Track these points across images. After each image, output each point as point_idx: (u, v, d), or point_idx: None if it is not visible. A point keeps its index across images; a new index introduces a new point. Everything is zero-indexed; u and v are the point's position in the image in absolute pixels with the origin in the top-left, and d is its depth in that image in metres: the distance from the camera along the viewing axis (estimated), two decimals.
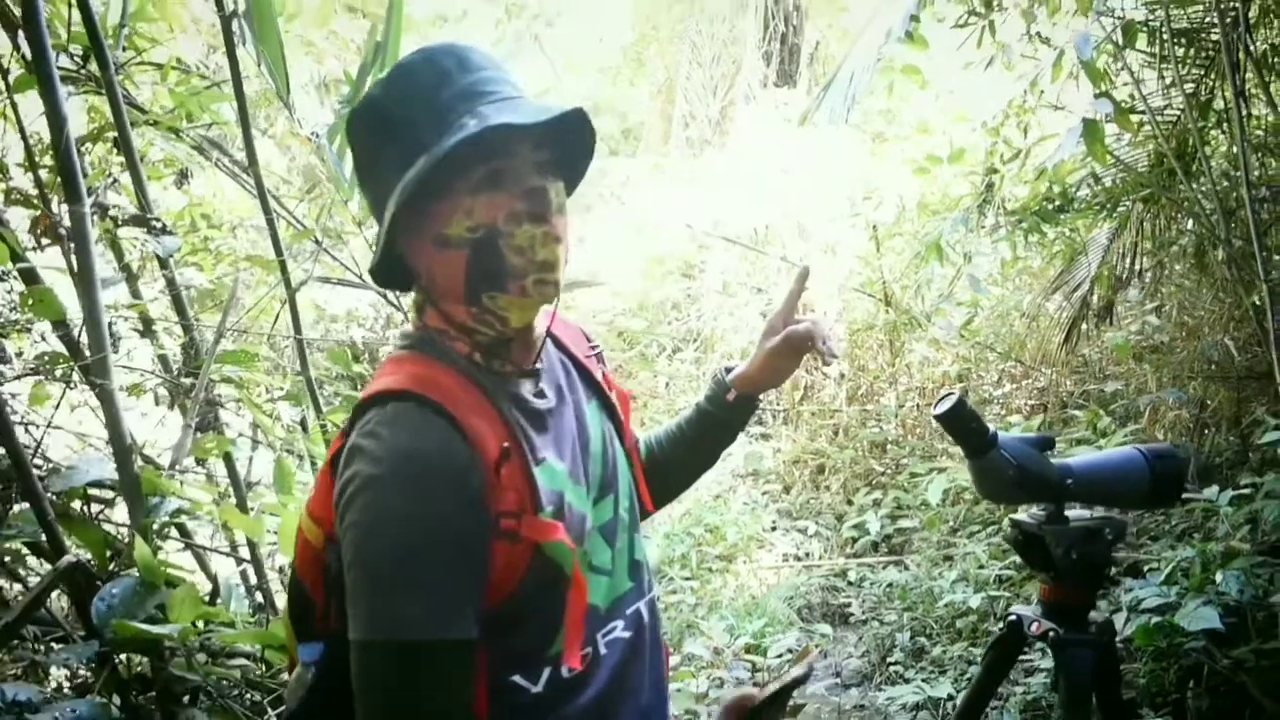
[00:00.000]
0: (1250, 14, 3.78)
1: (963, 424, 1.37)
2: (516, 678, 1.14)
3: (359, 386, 4.04)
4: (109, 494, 2.22)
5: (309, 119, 3.34)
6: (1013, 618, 1.46)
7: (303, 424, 3.27)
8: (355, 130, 1.16)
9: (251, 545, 2.59)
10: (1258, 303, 3.84)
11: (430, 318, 1.19)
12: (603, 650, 1.21)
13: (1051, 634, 1.37)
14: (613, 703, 1.22)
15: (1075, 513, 1.42)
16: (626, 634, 1.25)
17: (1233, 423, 4.49)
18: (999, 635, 1.47)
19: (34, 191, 2.33)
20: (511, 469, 1.10)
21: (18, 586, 2.09)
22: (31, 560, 2.13)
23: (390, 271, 1.19)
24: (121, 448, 1.73)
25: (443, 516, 1.03)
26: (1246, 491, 3.39)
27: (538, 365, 1.24)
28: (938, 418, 1.38)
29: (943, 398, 1.38)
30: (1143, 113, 4.12)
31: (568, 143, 1.20)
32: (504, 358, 1.19)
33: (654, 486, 1.47)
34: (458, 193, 1.10)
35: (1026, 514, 1.43)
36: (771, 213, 7.69)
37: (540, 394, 1.22)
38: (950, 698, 3.47)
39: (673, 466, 1.55)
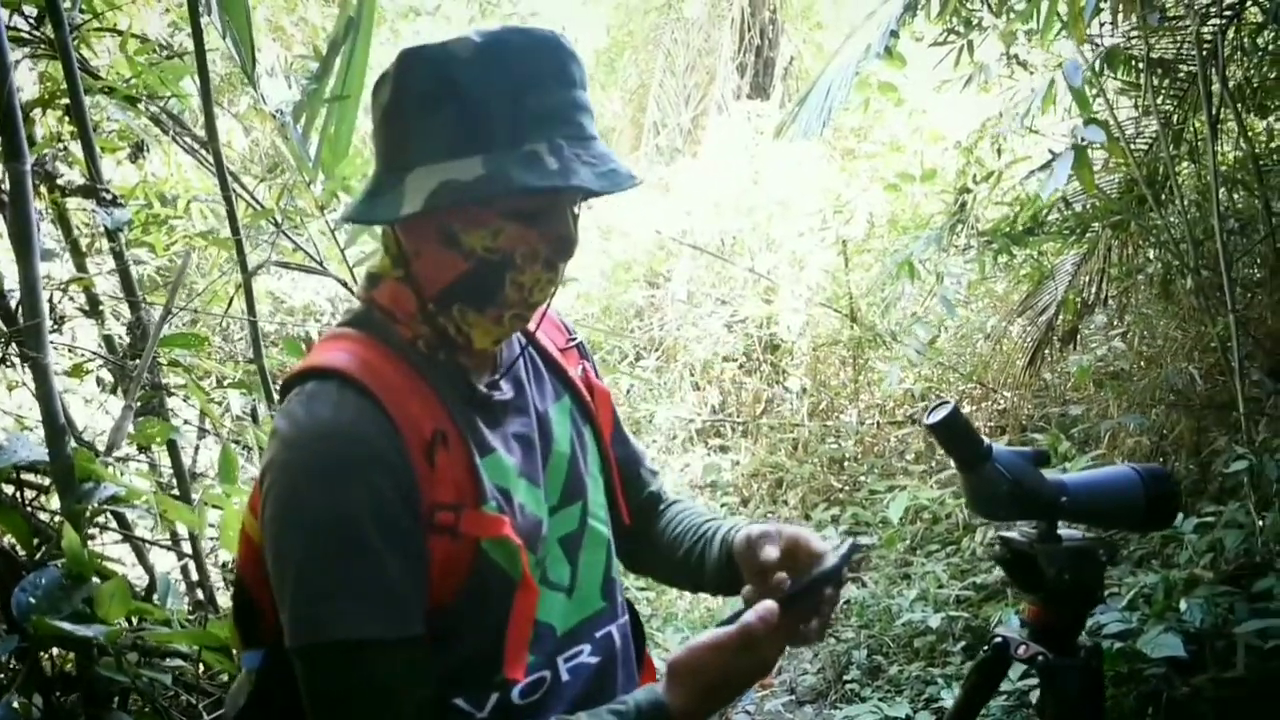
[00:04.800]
0: (1225, 47, 3.80)
1: (956, 434, 1.30)
2: (459, 701, 1.03)
3: None
4: (44, 480, 2.09)
5: (274, 100, 3.22)
6: (998, 639, 1.39)
7: (254, 414, 3.15)
8: (412, 74, 1.01)
9: (193, 539, 2.47)
10: (1223, 332, 3.86)
11: (385, 294, 1.10)
12: (564, 676, 1.10)
13: (1040, 658, 1.31)
14: None
15: (1066, 532, 1.36)
16: (594, 659, 1.14)
17: (1192, 451, 4.49)
18: (983, 657, 1.41)
19: None
20: (449, 458, 1.01)
21: None
22: None
23: (372, 217, 1.08)
24: (54, 427, 1.61)
25: (360, 504, 0.94)
26: (1209, 520, 3.38)
27: (497, 360, 1.15)
28: (930, 427, 1.31)
29: (936, 406, 1.31)
30: (1117, 139, 4.12)
31: None
32: (455, 352, 1.09)
33: (639, 554, 1.35)
34: (494, 211, 1.01)
35: (1017, 532, 1.37)
36: (740, 224, 7.66)
37: (495, 385, 1.13)
38: (908, 717, 3.41)
39: (664, 556, 1.34)
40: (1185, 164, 4.44)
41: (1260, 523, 3.39)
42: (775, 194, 7.50)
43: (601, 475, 1.24)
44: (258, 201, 3.25)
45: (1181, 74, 4.26)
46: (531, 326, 1.23)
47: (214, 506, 2.01)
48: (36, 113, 2.60)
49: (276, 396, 1.05)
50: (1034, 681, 3.05)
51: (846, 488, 6.28)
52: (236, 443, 2.78)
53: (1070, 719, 1.28)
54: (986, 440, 1.33)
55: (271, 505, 0.96)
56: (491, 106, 0.98)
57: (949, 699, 3.37)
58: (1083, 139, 3.20)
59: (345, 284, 3.31)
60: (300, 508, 0.95)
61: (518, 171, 0.95)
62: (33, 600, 1.48)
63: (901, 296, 6.34)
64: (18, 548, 1.71)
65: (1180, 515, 3.29)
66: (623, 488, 1.28)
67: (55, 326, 2.80)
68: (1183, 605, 2.97)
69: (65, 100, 2.38)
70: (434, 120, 0.99)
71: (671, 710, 1.00)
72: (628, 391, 7.39)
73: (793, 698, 4.08)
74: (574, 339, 1.30)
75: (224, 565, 2.79)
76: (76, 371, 2.87)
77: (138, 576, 2.39)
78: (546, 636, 1.10)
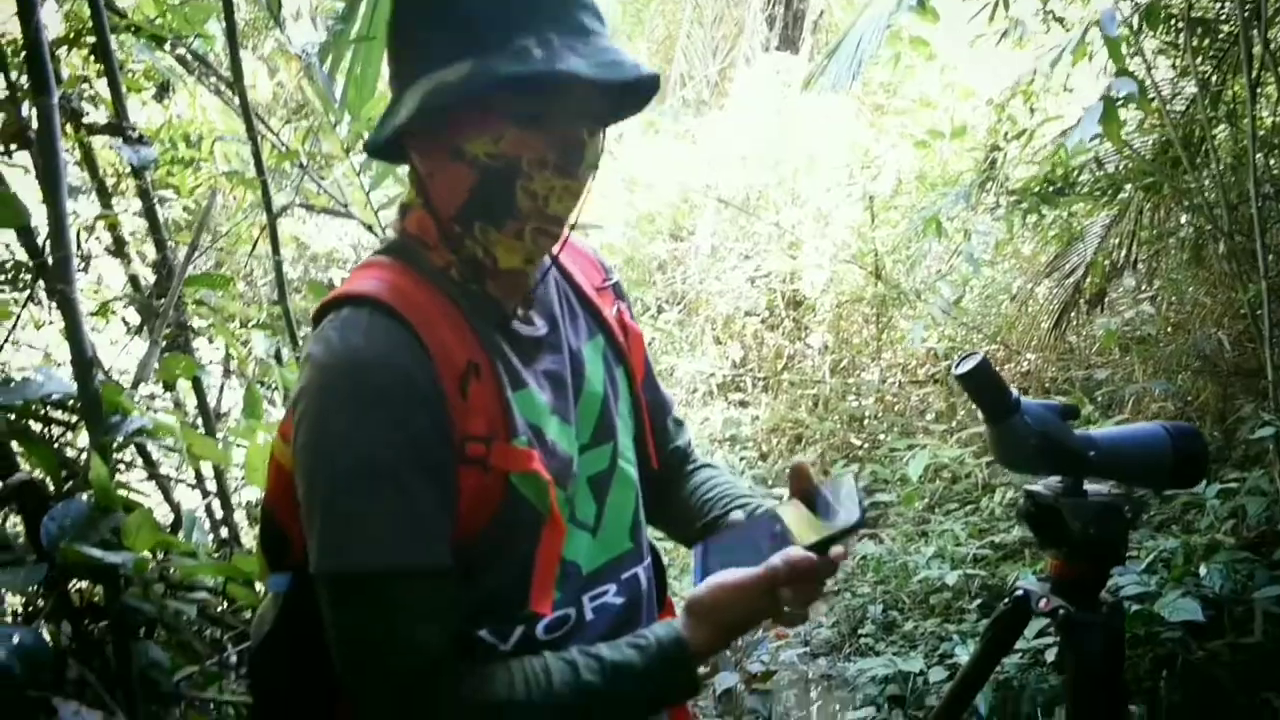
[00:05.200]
0: (1268, 9, 3.71)
1: (985, 385, 1.29)
2: (484, 633, 1.03)
3: None
4: (72, 418, 2.11)
5: (300, 41, 3.20)
6: (1019, 592, 1.38)
7: (278, 356, 3.16)
8: None
9: (219, 476, 2.49)
10: (1253, 299, 3.81)
11: (413, 222, 1.09)
12: (589, 615, 1.10)
13: (1061, 611, 1.30)
14: None
15: (1092, 487, 1.34)
16: (619, 600, 1.13)
17: (1217, 417, 4.46)
18: (1002, 610, 1.40)
19: (3, 94, 2.21)
20: (482, 389, 1.00)
21: None
22: None
23: (389, 148, 1.08)
24: (82, 360, 1.62)
25: (392, 433, 0.94)
26: (1233, 486, 3.36)
27: (530, 291, 1.13)
28: (959, 377, 1.29)
29: (965, 356, 1.29)
30: (1153, 99, 4.04)
31: (625, 93, 1.10)
32: (485, 280, 1.08)
33: (657, 507, 1.29)
34: (492, 114, 1.00)
35: (1042, 485, 1.36)
36: (766, 178, 7.59)
37: (528, 320, 1.12)
38: (921, 672, 3.43)
39: (686, 518, 1.31)
40: (1222, 127, 4.36)
41: None
42: (802, 149, 7.42)
43: (632, 418, 1.22)
44: (283, 143, 3.24)
45: (1222, 35, 4.17)
46: (568, 261, 1.22)
47: (239, 445, 2.03)
48: (62, 52, 2.59)
49: (310, 327, 1.05)
50: (1049, 640, 3.06)
51: (866, 445, 6.27)
52: (261, 384, 2.80)
53: (1090, 674, 1.28)
54: (1016, 393, 1.32)
55: (304, 433, 0.96)
56: (480, 10, 0.98)
57: (963, 655, 3.38)
58: (1115, 91, 3.13)
59: (370, 227, 3.31)
60: (333, 435, 0.95)
61: (503, 64, 0.95)
62: (61, 529, 1.49)
63: (927, 255, 6.28)
64: (47, 481, 1.73)
65: (1203, 481, 3.27)
66: (652, 433, 1.26)
67: (82, 266, 2.81)
68: (1202, 570, 2.97)
69: (91, 39, 2.37)
70: (429, 32, 1.00)
71: (690, 646, 1.00)
72: (649, 344, 7.38)
73: (807, 649, 4.11)
74: (609, 279, 1.27)
75: (248, 504, 2.82)
76: (102, 310, 2.89)
77: (164, 514, 2.42)
78: (573, 575, 1.09)
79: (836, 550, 1.02)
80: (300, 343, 2.74)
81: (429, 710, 0.95)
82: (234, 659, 1.96)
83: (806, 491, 1.12)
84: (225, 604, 1.94)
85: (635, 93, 1.10)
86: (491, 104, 0.99)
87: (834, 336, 7.36)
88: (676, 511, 1.33)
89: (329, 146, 3.14)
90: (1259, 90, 3.79)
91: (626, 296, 1.30)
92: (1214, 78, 4.12)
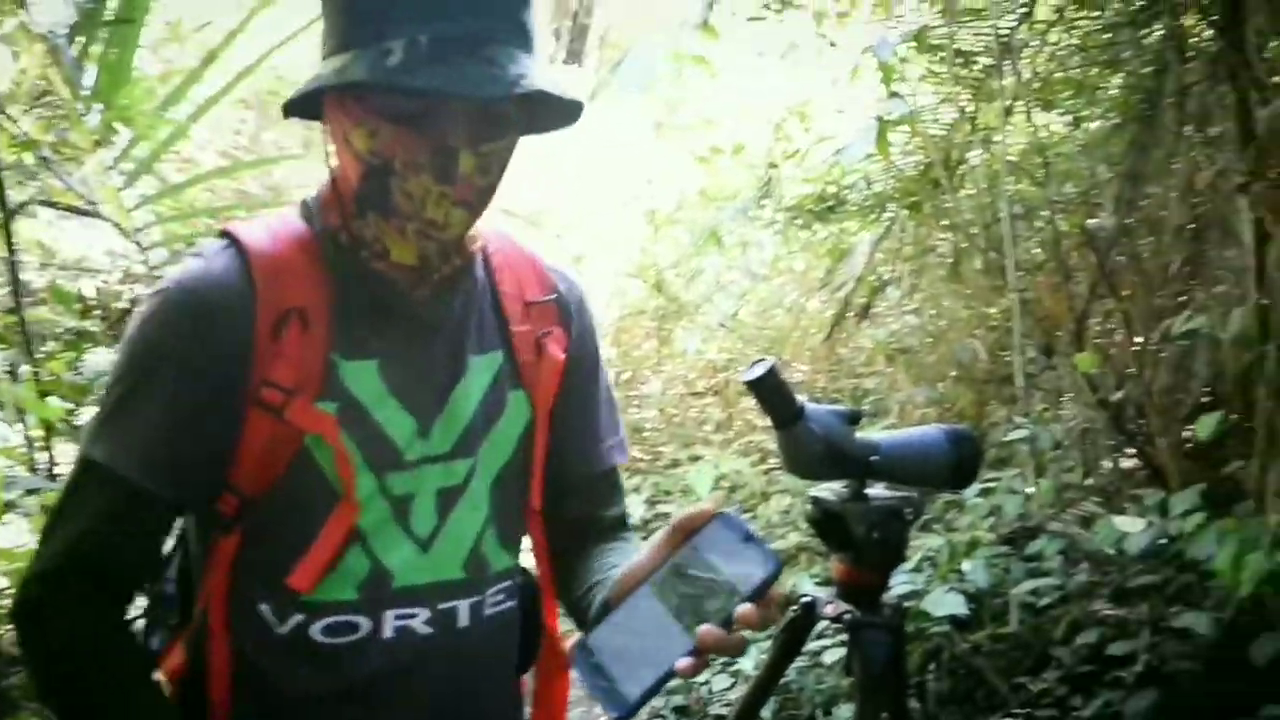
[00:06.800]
0: (1019, 44, 4.01)
1: (773, 392, 1.29)
2: (264, 606, 1.00)
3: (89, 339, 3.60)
4: None
5: (46, 20, 2.90)
6: (807, 599, 1.39)
7: (13, 372, 2.83)
8: None
9: None
10: (1005, 311, 4.10)
11: (327, 184, 1.07)
12: (388, 633, 1.02)
13: (847, 616, 1.31)
14: (382, 704, 1.03)
15: (874, 491, 1.37)
16: (426, 630, 1.04)
17: (974, 421, 4.76)
18: (790, 618, 1.41)
19: None
20: (301, 341, 0.97)
21: None
22: None
23: (306, 108, 1.03)
24: None
25: (170, 348, 0.98)
26: (991, 485, 3.58)
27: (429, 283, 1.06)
28: (749, 384, 1.29)
29: (755, 363, 1.29)
30: (918, 120, 4.28)
31: (541, 105, 1.04)
32: (375, 254, 1.03)
33: (559, 577, 1.19)
34: (371, 110, 0.95)
35: (828, 491, 1.37)
36: (550, 192, 7.57)
37: (417, 307, 1.05)
38: (705, 682, 3.47)
39: (573, 586, 1.17)
40: (977, 151, 4.68)
41: (1034, 489, 3.62)
42: (586, 163, 7.46)
43: (516, 447, 1.13)
44: (24, 133, 2.93)
45: (979, 66, 4.47)
46: (504, 266, 1.14)
47: None
48: None
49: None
50: (827, 642, 3.15)
51: (648, 457, 6.33)
52: None
53: (877, 674, 1.29)
54: (802, 399, 1.32)
55: None
56: (360, 3, 0.95)
57: (746, 662, 3.44)
58: (887, 112, 3.30)
59: (123, 229, 3.03)
60: (127, 339, 1.00)
61: (356, 67, 0.91)
62: None
63: (707, 269, 6.43)
64: None
65: None
66: (544, 476, 1.16)
67: None
68: (965, 566, 3.13)
69: None
70: (330, 17, 0.99)
71: None
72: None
73: None
74: (552, 295, 1.17)
75: None
76: None
77: None
78: (381, 582, 1.02)
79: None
80: (37, 357, 2.48)
81: (33, 611, 0.99)
82: None
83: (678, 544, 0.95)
84: None
85: (557, 106, 1.05)
86: (369, 100, 0.96)
87: (616, 350, 7.42)
88: (570, 591, 1.18)
89: (77, 138, 2.87)
90: (1009, 117, 4.07)
91: (583, 317, 1.20)
92: (971, 105, 4.41)
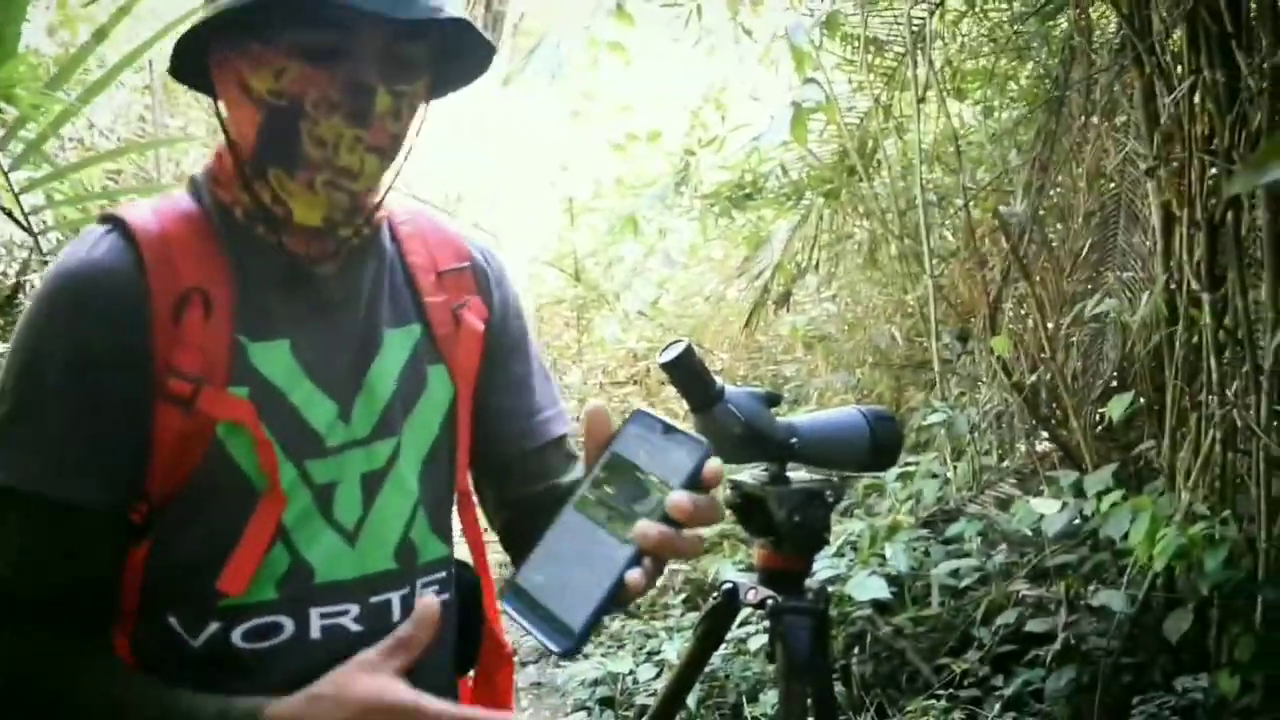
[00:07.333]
0: (931, 33, 4.04)
1: (690, 374, 1.25)
2: (173, 619, 0.91)
3: None
4: None
5: None
6: (729, 585, 1.36)
7: None
8: None
9: None
10: (920, 297, 4.14)
11: (215, 158, 0.99)
12: (315, 634, 0.94)
13: (770, 602, 1.28)
14: None
15: (795, 474, 1.34)
16: (357, 627, 0.95)
17: (893, 406, 4.81)
18: (713, 605, 1.37)
19: None
20: (203, 324, 0.91)
21: None
22: None
23: (196, 72, 0.97)
24: None
25: (57, 346, 0.90)
26: (910, 470, 3.61)
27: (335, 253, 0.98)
28: (665, 365, 1.25)
29: (670, 345, 1.25)
30: (834, 105, 4.30)
31: (452, 44, 0.96)
32: (280, 230, 0.96)
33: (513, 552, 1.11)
34: (275, 44, 0.88)
35: (748, 475, 1.34)
36: (466, 178, 7.47)
37: (323, 277, 0.98)
38: (630, 672, 3.44)
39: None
40: (892, 139, 4.72)
41: (952, 472, 3.67)
42: (502, 151, 7.37)
43: (440, 424, 1.04)
44: None
45: (891, 55, 4.51)
46: (412, 236, 1.07)
47: None
48: None
49: None
50: (751, 629, 3.14)
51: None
52: None
53: (801, 659, 1.27)
54: (720, 381, 1.28)
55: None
56: None
57: (670, 651, 3.42)
58: (803, 99, 3.29)
59: (13, 216, 2.87)
60: (14, 346, 0.92)
61: None
62: None
63: (625, 256, 6.40)
64: None
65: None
66: (478, 446, 1.09)
67: None
68: (887, 550, 3.15)
69: None
70: None
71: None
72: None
73: (515, 658, 4.02)
74: (466, 264, 1.09)
75: None
76: None
77: None
78: (302, 577, 0.94)
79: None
80: None
81: None
82: None
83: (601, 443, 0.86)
84: None
85: (463, 61, 1.00)
86: (273, 36, 0.88)
87: (535, 339, 7.37)
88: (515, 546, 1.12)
89: None
90: (922, 106, 4.11)
91: (503, 288, 1.12)
92: (885, 94, 4.44)
